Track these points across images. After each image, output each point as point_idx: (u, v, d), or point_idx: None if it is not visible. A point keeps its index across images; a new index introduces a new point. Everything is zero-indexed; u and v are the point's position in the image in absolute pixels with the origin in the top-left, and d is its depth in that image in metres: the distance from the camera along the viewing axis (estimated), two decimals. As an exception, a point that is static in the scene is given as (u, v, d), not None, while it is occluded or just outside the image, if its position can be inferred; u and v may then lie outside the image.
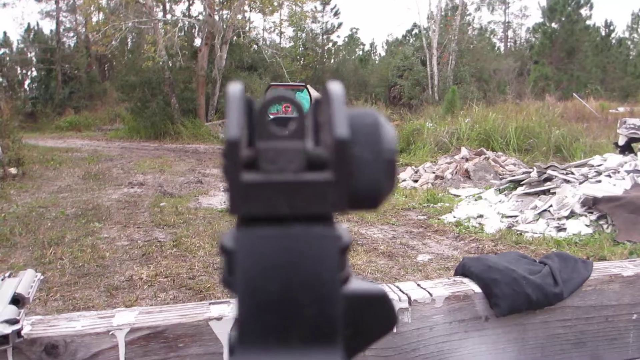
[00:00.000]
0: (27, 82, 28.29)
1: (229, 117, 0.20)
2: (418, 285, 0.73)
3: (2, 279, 0.72)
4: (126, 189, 7.48)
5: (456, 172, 7.37)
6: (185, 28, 18.79)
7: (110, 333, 0.57)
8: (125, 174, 8.74)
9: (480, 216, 5.36)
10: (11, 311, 0.63)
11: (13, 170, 8.34)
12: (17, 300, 0.66)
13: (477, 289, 0.72)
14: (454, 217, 5.49)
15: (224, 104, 17.02)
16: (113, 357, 0.57)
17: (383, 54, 28.36)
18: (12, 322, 0.61)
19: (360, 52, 27.61)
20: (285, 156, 0.19)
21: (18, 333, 0.61)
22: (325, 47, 25.98)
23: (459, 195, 6.45)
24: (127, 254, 4.49)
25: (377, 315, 0.28)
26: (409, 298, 0.69)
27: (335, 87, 0.20)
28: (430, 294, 0.70)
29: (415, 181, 7.54)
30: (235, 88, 0.20)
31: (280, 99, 0.26)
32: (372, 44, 38.86)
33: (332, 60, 25.86)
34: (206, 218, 5.68)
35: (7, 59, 28.23)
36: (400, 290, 0.71)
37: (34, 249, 4.58)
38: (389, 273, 3.96)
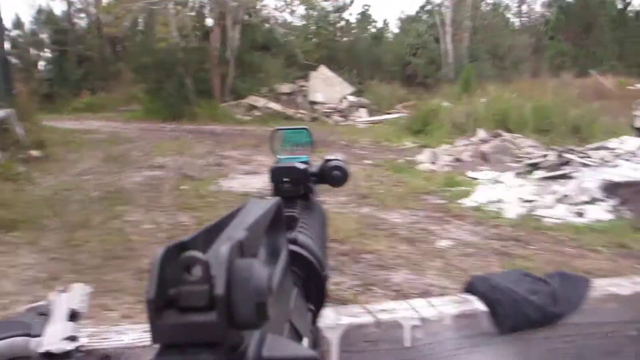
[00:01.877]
0: (41, 63, 28.40)
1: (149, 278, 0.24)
2: (428, 302, 0.80)
3: (58, 294, 0.77)
4: (147, 171, 7.59)
5: (474, 155, 7.39)
6: (196, 8, 18.70)
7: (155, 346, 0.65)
8: (145, 156, 8.85)
9: (500, 200, 5.40)
10: (71, 328, 0.68)
11: (36, 153, 8.48)
12: (73, 315, 0.71)
13: (483, 308, 0.79)
14: (473, 201, 5.54)
15: (239, 84, 17.04)
16: None
17: (396, 31, 28.06)
18: (73, 338, 0.67)
19: (373, 30, 27.32)
20: (191, 299, 0.23)
21: (78, 348, 0.68)
22: (337, 25, 25.74)
23: (477, 179, 6.49)
24: (154, 237, 4.60)
25: None
26: (421, 317, 0.76)
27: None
28: (440, 312, 0.77)
29: (433, 163, 7.57)
30: (158, 252, 0.24)
31: None
32: (385, 22, 38.39)
33: (345, 39, 25.63)
34: (227, 201, 5.77)
35: (21, 40, 28.32)
36: (412, 308, 0.78)
37: (62, 232, 4.69)
38: (410, 259, 4.03)
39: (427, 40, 21.11)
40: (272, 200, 0.39)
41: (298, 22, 24.04)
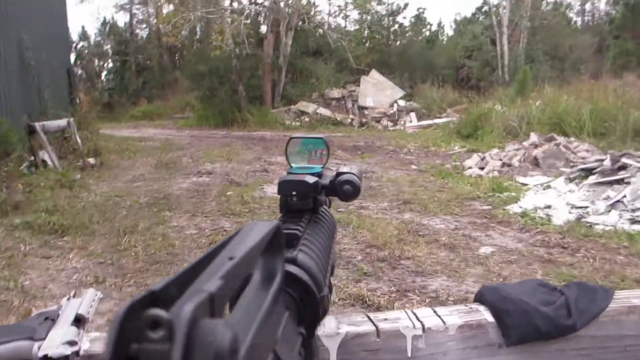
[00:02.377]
0: (104, 73, 29.72)
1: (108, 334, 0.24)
2: (434, 312, 0.76)
3: (68, 299, 0.78)
4: (195, 177, 7.76)
5: (524, 160, 7.14)
6: (252, 15, 19.05)
7: None
8: (194, 163, 9.06)
9: (548, 207, 5.19)
10: (72, 332, 0.69)
11: (92, 161, 8.83)
12: (78, 320, 0.73)
13: (491, 318, 0.74)
14: (520, 207, 5.34)
15: (290, 90, 17.21)
16: None
17: (451, 33, 27.63)
18: (72, 343, 0.69)
19: (427, 33, 27.00)
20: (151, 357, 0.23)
21: (77, 352, 0.69)
22: (391, 29, 25.60)
23: (526, 184, 6.26)
24: (195, 242, 4.68)
25: None
26: (423, 325, 0.72)
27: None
28: (444, 322, 0.73)
29: (482, 168, 7.36)
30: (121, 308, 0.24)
31: None
32: (439, 24, 37.89)
33: (398, 42, 25.45)
34: (270, 207, 5.81)
35: (86, 52, 29.73)
36: (416, 317, 0.74)
37: (110, 237, 4.85)
38: (450, 266, 3.93)
39: (483, 42, 20.65)
40: (270, 223, 0.38)
41: (351, 27, 24.11)
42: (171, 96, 21.75)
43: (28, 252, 4.53)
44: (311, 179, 0.58)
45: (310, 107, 15.94)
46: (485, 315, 0.75)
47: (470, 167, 7.48)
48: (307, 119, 15.38)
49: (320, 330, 0.70)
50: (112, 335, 0.23)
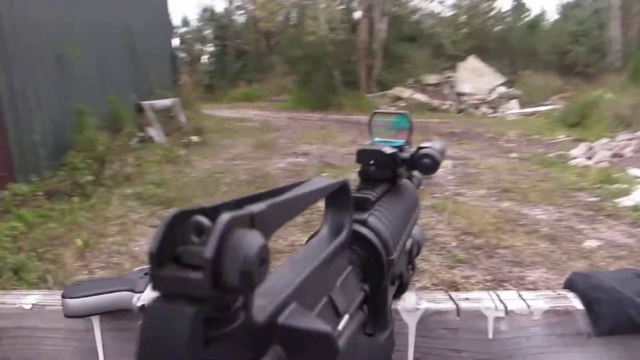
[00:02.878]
0: (204, 57, 30.97)
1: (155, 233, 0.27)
2: (519, 295, 0.73)
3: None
4: (291, 158, 7.93)
5: (638, 151, 6.66)
6: (345, 1, 19.02)
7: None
8: (291, 144, 9.25)
9: (664, 201, 4.82)
10: None
11: (195, 139, 9.28)
12: None
13: (580, 306, 0.70)
14: (632, 200, 5.00)
15: (385, 76, 17.08)
16: None
17: (555, 17, 26.10)
18: None
19: (528, 18, 25.69)
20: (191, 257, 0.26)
21: None
22: (489, 15, 24.61)
23: (639, 177, 5.84)
24: (292, 220, 4.80)
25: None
26: (506, 308, 0.69)
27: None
28: (529, 306, 0.70)
29: (589, 158, 6.96)
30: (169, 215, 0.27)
31: None
32: (542, 8, 35.95)
33: (498, 28, 24.44)
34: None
35: (188, 37, 31.11)
36: (499, 299, 0.72)
37: (211, 212, 5.09)
38: (550, 257, 3.77)
39: (591, 26, 19.34)
40: (337, 180, 0.41)
41: (447, 12, 23.43)
42: (269, 79, 22.27)
43: (138, 220, 4.86)
44: (389, 150, 0.60)
45: (405, 93, 15.74)
46: (574, 302, 0.71)
47: (575, 157, 7.09)
48: (403, 104, 15.21)
49: (400, 305, 0.70)
50: (159, 234, 0.26)
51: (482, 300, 0.71)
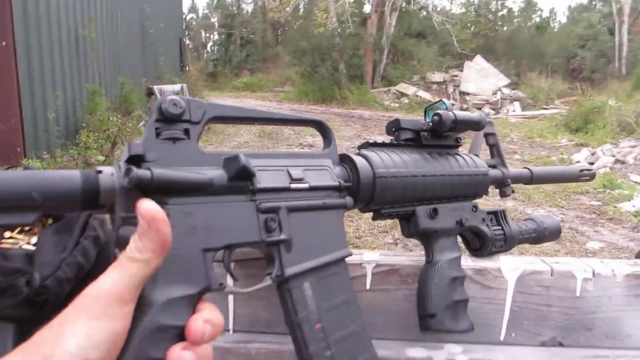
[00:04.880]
0: (209, 44, 30.93)
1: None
2: (601, 262, 0.83)
3: None
4: (297, 148, 7.99)
5: (640, 157, 6.74)
6: (357, -6, 19.00)
7: (362, 265, 0.76)
8: (295, 135, 9.31)
9: (666, 208, 4.90)
10: None
11: (200, 126, 9.32)
12: None
13: None
14: (634, 206, 5.08)
15: (390, 71, 17.11)
16: (362, 281, 0.77)
17: (564, 20, 26.13)
18: None
19: (538, 19, 25.71)
20: None
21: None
22: (499, 14, 24.62)
23: (641, 183, 5.93)
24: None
25: None
26: (593, 271, 0.79)
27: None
28: (612, 270, 0.79)
29: (591, 164, 7.04)
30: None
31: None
32: (551, 10, 35.95)
33: (505, 28, 24.45)
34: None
35: (194, 23, 31.05)
36: (586, 264, 0.81)
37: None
38: (554, 257, 3.85)
39: (600, 31, 19.40)
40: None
41: (457, 10, 23.45)
42: (273, 70, 22.28)
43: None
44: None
45: (410, 89, 15.78)
46: None
47: (578, 162, 7.17)
48: (406, 101, 15.25)
49: (502, 264, 0.80)
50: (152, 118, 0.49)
51: (572, 264, 0.82)
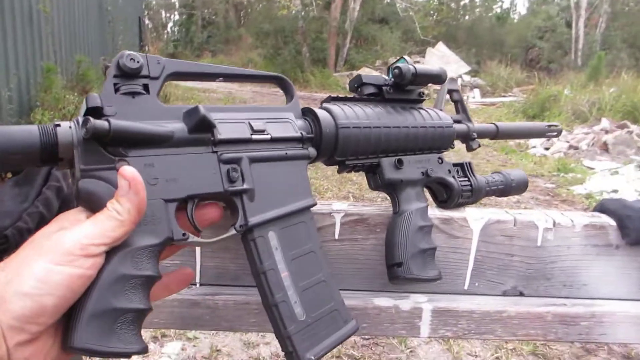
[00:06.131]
0: (169, 25, 30.25)
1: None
2: (562, 214, 0.86)
3: None
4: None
5: (593, 144, 6.98)
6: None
7: (331, 214, 0.77)
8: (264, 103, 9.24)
9: (615, 191, 5.10)
10: None
11: (161, 106, 9.14)
12: None
13: (612, 223, 0.83)
14: (585, 189, 5.27)
15: (353, 55, 17.13)
16: (331, 231, 0.78)
17: (524, 12, 26.66)
18: None
19: (499, 10, 26.14)
20: None
21: None
22: (461, 3, 24.91)
23: (592, 168, 6.14)
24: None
25: None
26: (554, 221, 0.82)
27: None
28: (572, 220, 0.83)
29: (547, 149, 7.25)
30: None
31: None
32: (512, 2, 36.57)
33: (467, 17, 24.79)
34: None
35: (154, 3, 30.26)
36: (547, 215, 0.84)
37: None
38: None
39: (558, 23, 19.88)
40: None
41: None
42: (235, 51, 21.98)
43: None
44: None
45: (372, 74, 15.83)
46: (607, 220, 0.85)
47: (534, 147, 7.37)
48: (368, 86, 15.30)
49: (468, 214, 0.83)
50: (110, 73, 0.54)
51: (534, 214, 0.85)
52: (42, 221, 0.71)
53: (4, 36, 5.42)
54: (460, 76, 15.86)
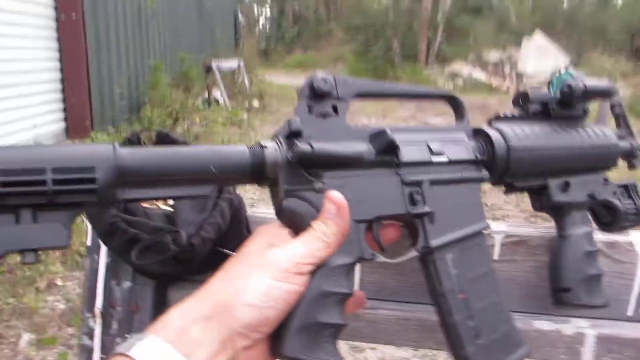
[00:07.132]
0: (261, 21, 30.91)
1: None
2: None
3: None
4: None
5: None
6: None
7: (491, 235, 0.78)
8: (350, 116, 9.18)
9: None
10: None
11: (255, 103, 9.39)
12: None
13: None
14: None
15: (445, 49, 16.73)
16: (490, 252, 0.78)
17: (629, -4, 24.81)
18: None
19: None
20: None
21: None
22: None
23: None
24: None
25: None
26: None
27: None
28: None
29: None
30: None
31: None
32: (616, -14, 34.05)
33: (565, 3, 23.43)
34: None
35: (247, -1, 31.00)
36: None
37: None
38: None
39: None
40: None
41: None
42: (325, 47, 22.13)
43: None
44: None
45: (464, 69, 15.41)
46: None
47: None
48: (460, 82, 14.90)
49: (633, 238, 0.80)
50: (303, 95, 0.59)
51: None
52: (219, 231, 0.76)
53: (117, 34, 5.79)
54: (559, 70, 15.04)
